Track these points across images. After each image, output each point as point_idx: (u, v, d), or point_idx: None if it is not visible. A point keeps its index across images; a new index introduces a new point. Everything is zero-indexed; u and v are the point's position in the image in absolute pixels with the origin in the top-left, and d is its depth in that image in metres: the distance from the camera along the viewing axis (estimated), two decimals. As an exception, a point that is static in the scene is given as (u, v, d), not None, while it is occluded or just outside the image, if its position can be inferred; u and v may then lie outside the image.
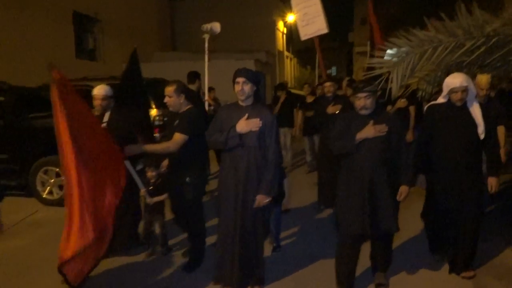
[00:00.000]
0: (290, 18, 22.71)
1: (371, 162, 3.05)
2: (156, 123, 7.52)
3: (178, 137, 3.51)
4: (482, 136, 3.31)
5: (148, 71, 13.66)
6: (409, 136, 5.97)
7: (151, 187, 4.00)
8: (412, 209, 4.56)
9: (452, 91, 3.34)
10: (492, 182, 3.40)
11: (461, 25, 3.84)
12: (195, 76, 5.87)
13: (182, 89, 3.62)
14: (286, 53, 25.66)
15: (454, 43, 3.88)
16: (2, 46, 9.81)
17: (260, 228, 3.24)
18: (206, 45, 5.89)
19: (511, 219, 4.64)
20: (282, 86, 7.95)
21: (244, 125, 3.04)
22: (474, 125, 3.32)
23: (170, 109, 3.71)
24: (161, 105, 7.64)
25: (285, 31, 24.99)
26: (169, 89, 3.59)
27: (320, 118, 5.54)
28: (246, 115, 3.07)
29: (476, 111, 3.34)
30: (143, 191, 3.88)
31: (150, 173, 4.04)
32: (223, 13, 19.24)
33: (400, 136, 3.21)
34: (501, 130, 4.43)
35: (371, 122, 3.05)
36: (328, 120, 5.16)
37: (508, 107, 6.61)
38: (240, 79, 3.07)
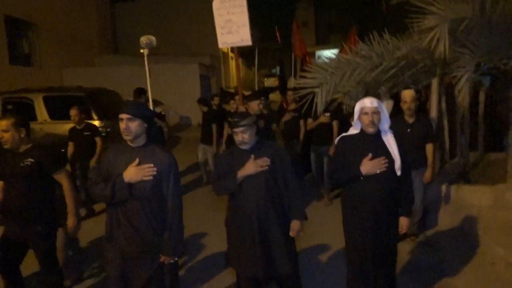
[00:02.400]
0: (234, 20, 23.04)
1: (257, 200, 2.80)
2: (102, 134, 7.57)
3: (64, 176, 3.16)
4: (398, 173, 2.89)
5: (90, 76, 13.54)
6: (331, 151, 5.75)
7: None
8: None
9: (363, 111, 2.89)
10: (404, 223, 2.99)
11: (374, 50, 4.36)
12: (140, 92, 6.06)
13: (21, 123, 3.07)
14: (230, 54, 25.92)
15: (369, 65, 4.39)
16: None
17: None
18: (146, 60, 5.79)
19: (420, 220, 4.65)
20: (203, 100, 7.56)
21: (134, 173, 2.46)
22: (390, 159, 2.86)
23: (6, 146, 3.07)
24: (103, 116, 7.74)
25: (229, 33, 25.27)
26: (5, 123, 3.01)
27: None
28: (137, 160, 2.49)
29: (391, 142, 2.92)
30: None
31: None
32: (166, 17, 19.17)
33: (287, 166, 2.91)
34: (429, 148, 4.34)
35: (252, 157, 2.79)
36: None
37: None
38: (124, 116, 2.47)
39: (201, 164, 7.40)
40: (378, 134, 2.95)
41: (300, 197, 2.95)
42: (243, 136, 2.80)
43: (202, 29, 20.54)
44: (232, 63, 26.61)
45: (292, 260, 2.91)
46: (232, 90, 16.68)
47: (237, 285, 3.10)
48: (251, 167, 2.77)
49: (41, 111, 7.68)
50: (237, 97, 5.31)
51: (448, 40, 3.41)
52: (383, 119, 2.93)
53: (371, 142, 2.92)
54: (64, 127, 7.34)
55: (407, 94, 4.35)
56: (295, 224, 2.89)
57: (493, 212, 4.29)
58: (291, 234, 2.90)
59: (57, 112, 7.66)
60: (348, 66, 4.39)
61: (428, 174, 4.33)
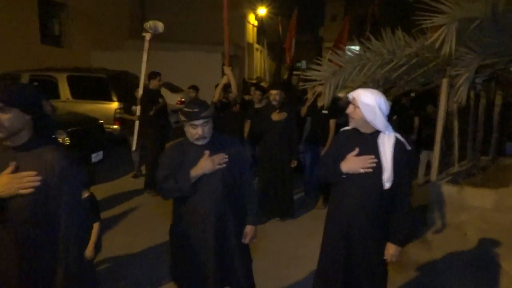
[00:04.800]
0: (261, 11, 23.09)
1: (214, 201, 2.38)
2: (117, 115, 7.83)
3: None
4: (386, 185, 2.26)
5: (116, 59, 13.87)
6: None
7: None
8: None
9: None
10: (390, 251, 2.36)
11: (385, 46, 4.37)
12: (153, 75, 6.32)
13: None
14: (256, 45, 25.96)
15: (380, 61, 4.41)
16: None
17: None
18: (146, 44, 5.82)
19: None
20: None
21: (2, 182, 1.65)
22: (378, 166, 2.27)
23: None
24: (122, 98, 7.99)
25: (255, 24, 25.28)
26: None
27: (262, 125, 4.96)
28: (10, 167, 1.66)
29: (387, 148, 2.28)
30: None
31: None
32: (193, 5, 19.35)
33: (244, 161, 2.53)
34: None
35: (206, 153, 2.34)
36: (271, 128, 4.85)
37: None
38: None
39: None
40: (375, 134, 2.33)
41: (256, 199, 2.58)
42: (204, 130, 2.33)
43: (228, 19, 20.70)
44: (257, 54, 26.64)
45: (250, 271, 2.59)
46: (254, 81, 16.79)
47: None
48: (207, 164, 2.32)
49: (64, 90, 8.00)
50: (273, 91, 4.76)
51: (455, 40, 3.40)
52: (378, 119, 2.27)
53: (363, 142, 2.36)
54: (84, 106, 7.65)
55: None
56: (249, 230, 2.52)
57: (494, 215, 4.27)
58: (244, 240, 2.53)
59: (79, 91, 7.98)
60: (359, 61, 4.43)
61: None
